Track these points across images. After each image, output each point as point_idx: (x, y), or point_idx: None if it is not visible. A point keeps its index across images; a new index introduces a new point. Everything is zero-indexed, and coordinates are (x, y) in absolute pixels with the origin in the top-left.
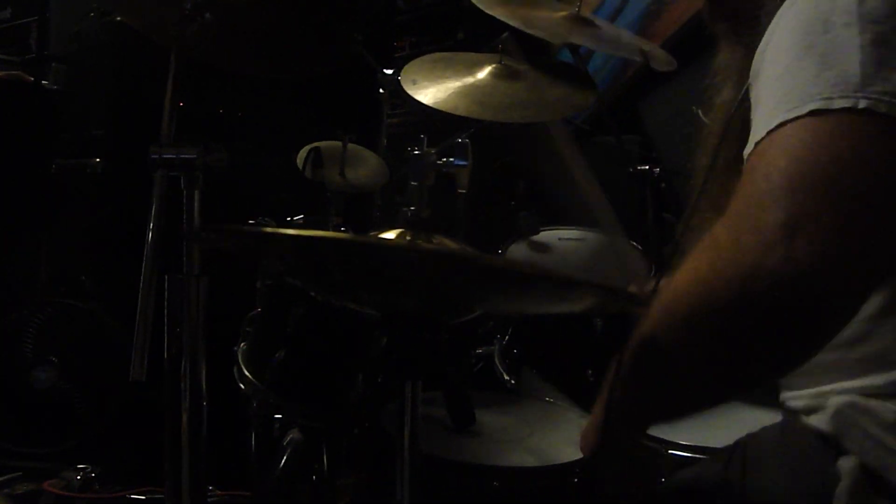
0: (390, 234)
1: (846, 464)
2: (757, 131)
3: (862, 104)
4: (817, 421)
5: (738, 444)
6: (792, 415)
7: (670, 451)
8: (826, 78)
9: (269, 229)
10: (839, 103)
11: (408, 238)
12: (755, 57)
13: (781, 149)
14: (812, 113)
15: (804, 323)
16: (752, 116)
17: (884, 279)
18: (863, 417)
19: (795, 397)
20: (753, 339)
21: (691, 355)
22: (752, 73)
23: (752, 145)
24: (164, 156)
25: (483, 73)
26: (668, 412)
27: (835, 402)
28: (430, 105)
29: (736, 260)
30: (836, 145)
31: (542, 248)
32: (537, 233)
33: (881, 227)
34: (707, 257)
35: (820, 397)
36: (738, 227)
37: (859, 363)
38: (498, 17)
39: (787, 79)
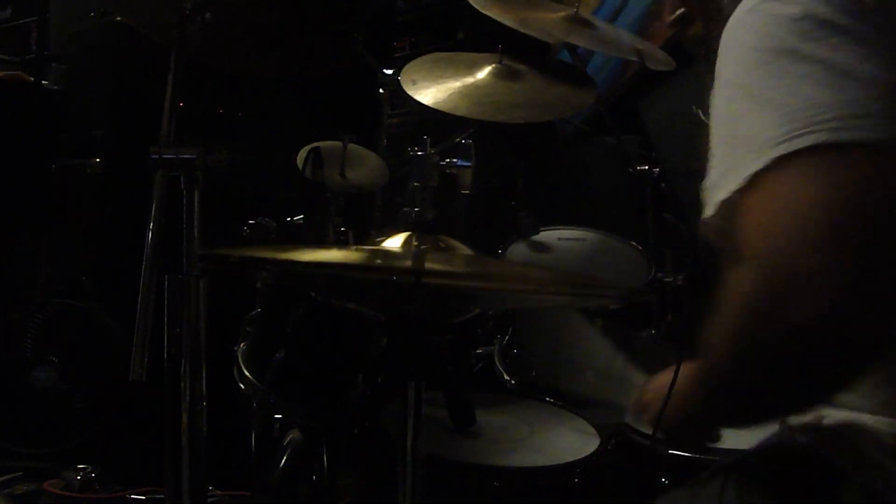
0: (397, 238)
1: (849, 494)
2: (729, 175)
3: (821, 139)
4: (815, 442)
5: (734, 464)
6: (788, 430)
7: (670, 451)
8: (780, 117)
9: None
10: (796, 145)
11: (415, 242)
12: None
13: (771, 198)
14: (779, 161)
15: (848, 360)
16: (712, 145)
17: None
18: (863, 440)
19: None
20: (800, 384)
21: (737, 402)
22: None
23: (735, 191)
24: (164, 156)
25: (483, 73)
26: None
27: (831, 420)
28: (430, 105)
29: (775, 313)
30: (806, 191)
31: (542, 248)
32: (537, 233)
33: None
34: (742, 314)
35: (813, 414)
36: (768, 279)
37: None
38: (495, 17)
39: (746, 119)
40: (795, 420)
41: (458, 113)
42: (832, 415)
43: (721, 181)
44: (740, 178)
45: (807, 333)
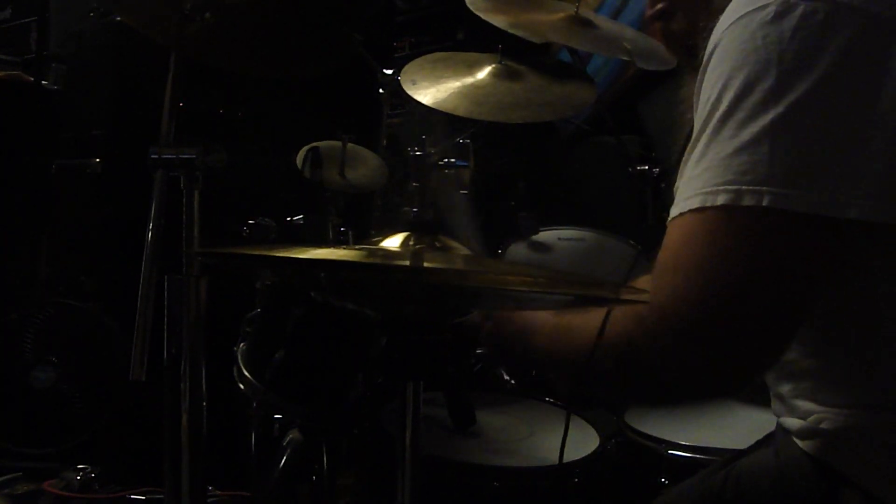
0: (396, 238)
1: (848, 495)
2: (672, 205)
3: (721, 200)
4: (813, 448)
5: (733, 466)
6: (786, 435)
7: (670, 452)
8: (714, 170)
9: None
10: (716, 199)
11: (412, 243)
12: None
13: (673, 236)
14: (694, 209)
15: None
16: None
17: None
18: (862, 443)
19: (787, 417)
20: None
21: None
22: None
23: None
24: (164, 156)
25: (483, 73)
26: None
27: (829, 424)
28: (430, 105)
29: (652, 318)
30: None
31: (542, 248)
32: (537, 233)
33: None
34: (631, 314)
35: (810, 417)
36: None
37: (843, 384)
38: (489, 19)
39: (689, 167)
40: (793, 424)
41: (458, 113)
42: (830, 418)
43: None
44: (675, 210)
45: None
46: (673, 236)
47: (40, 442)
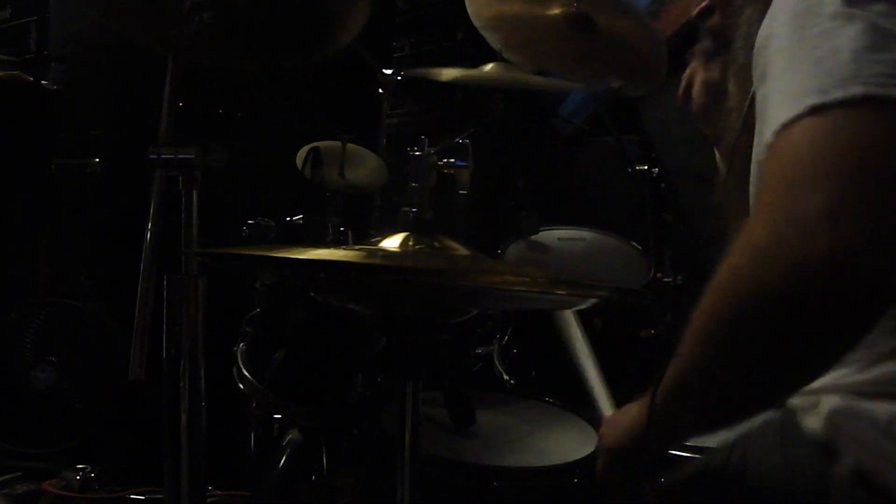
0: (395, 238)
1: (841, 469)
2: (766, 132)
3: (859, 91)
4: (812, 423)
5: (738, 439)
6: (789, 414)
7: (670, 451)
8: (822, 71)
9: (262, 252)
10: (835, 95)
11: (412, 243)
12: (754, 58)
13: (798, 144)
14: (813, 109)
15: (857, 307)
16: (759, 117)
17: None
18: (857, 421)
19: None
20: (807, 332)
21: (741, 359)
22: (754, 73)
23: (765, 146)
24: (163, 156)
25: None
26: (715, 421)
27: (828, 403)
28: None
29: (779, 254)
30: (838, 136)
31: (542, 248)
32: (537, 233)
33: None
34: (747, 256)
35: (813, 395)
36: (774, 220)
37: (851, 359)
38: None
39: (786, 77)
40: (797, 401)
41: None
42: (830, 400)
43: (767, 130)
44: (770, 131)
45: (813, 275)
46: (786, 149)
47: (40, 442)
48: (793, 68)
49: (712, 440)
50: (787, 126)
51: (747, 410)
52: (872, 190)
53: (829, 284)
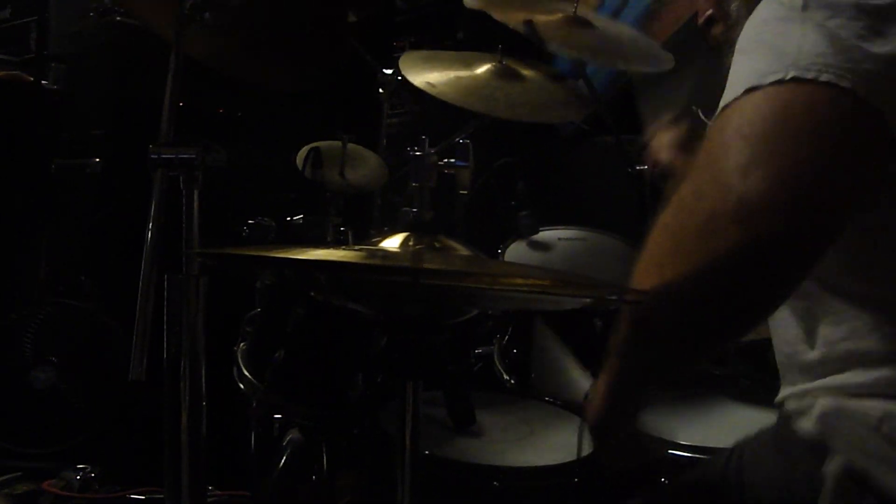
0: (395, 238)
1: (831, 467)
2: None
3: (790, 74)
4: (805, 424)
5: (736, 445)
6: (785, 417)
7: (670, 452)
8: (765, 62)
9: (263, 253)
10: (769, 78)
11: (412, 243)
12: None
13: (728, 117)
14: (748, 90)
15: (764, 259)
16: None
17: (839, 235)
18: (848, 419)
19: (787, 396)
20: (721, 281)
21: (673, 311)
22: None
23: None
24: (164, 156)
25: (482, 70)
26: (660, 369)
27: (820, 404)
28: (430, 91)
29: (697, 207)
30: (759, 108)
31: (542, 248)
32: (537, 233)
33: (826, 173)
34: (672, 211)
35: (807, 397)
36: (697, 179)
37: (842, 361)
38: (497, 17)
39: (735, 68)
40: (793, 405)
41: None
42: (823, 401)
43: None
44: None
45: (728, 224)
46: (717, 124)
47: (40, 442)
48: (743, 62)
49: (715, 440)
50: (724, 108)
51: (682, 358)
52: (780, 150)
53: (735, 238)
